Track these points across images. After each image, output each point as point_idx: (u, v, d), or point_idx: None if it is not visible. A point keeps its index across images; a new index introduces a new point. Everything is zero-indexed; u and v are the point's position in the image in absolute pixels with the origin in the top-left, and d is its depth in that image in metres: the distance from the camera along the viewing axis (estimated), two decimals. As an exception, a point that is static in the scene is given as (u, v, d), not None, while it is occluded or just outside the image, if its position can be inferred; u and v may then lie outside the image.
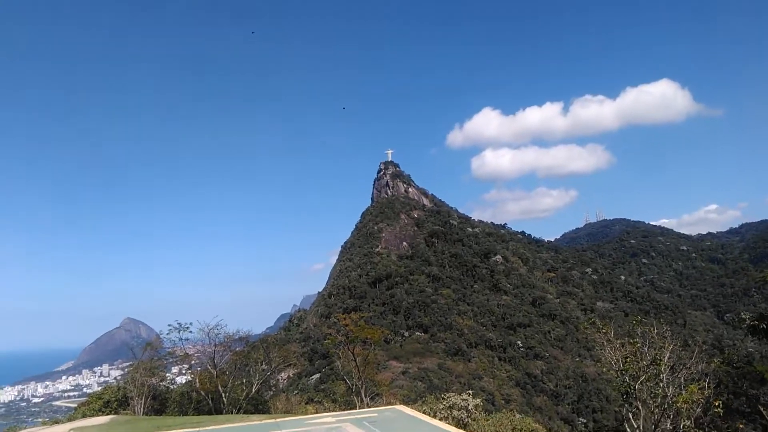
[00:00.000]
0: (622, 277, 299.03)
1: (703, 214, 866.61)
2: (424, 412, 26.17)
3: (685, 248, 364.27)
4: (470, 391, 32.84)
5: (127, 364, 56.22)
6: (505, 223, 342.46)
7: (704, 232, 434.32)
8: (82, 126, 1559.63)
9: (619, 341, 22.56)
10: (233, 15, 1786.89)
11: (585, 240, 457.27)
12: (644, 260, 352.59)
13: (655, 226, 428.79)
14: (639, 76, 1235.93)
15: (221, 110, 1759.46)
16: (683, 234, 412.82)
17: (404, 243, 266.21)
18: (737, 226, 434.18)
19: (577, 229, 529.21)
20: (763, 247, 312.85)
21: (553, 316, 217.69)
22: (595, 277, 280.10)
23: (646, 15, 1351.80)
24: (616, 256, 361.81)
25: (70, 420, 37.85)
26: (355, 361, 40.90)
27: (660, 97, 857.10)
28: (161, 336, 49.36)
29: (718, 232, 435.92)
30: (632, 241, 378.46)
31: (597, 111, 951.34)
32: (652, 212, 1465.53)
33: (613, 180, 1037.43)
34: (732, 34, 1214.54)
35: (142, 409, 41.11)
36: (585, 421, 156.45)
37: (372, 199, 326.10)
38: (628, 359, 21.64)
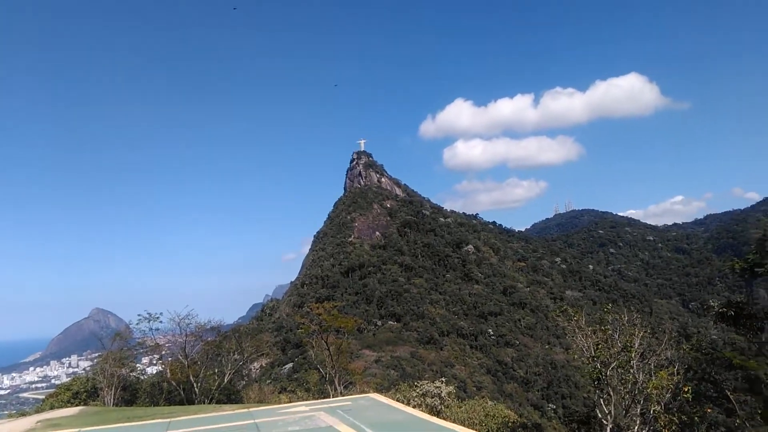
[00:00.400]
0: (591, 267, 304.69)
1: (669, 205, 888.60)
2: (397, 400, 26.35)
3: (651, 238, 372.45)
4: (443, 379, 33.23)
5: (96, 354, 55.20)
6: (477, 213, 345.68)
7: (670, 223, 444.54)
8: (37, 110, 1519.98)
9: (590, 328, 22.91)
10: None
11: (555, 230, 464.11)
12: (612, 250, 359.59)
13: (622, 216, 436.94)
14: (608, 70, 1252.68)
15: (190, 96, 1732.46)
16: (650, 224, 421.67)
17: (377, 233, 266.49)
18: (702, 217, 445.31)
19: (547, 219, 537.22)
20: (726, 237, 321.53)
21: (524, 304, 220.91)
22: (564, 266, 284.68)
23: (616, 9, 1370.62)
24: (584, 246, 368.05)
25: (37, 412, 37.03)
26: (328, 350, 40.93)
27: (628, 91, 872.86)
28: (131, 326, 48.56)
29: (683, 223, 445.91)
30: (600, 232, 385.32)
31: (567, 103, 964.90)
32: (620, 203, 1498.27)
33: (582, 171, 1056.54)
34: (699, 30, 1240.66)
35: (112, 400, 40.49)
36: (554, 407, 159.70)
37: (345, 188, 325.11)
38: (600, 346, 22.00)
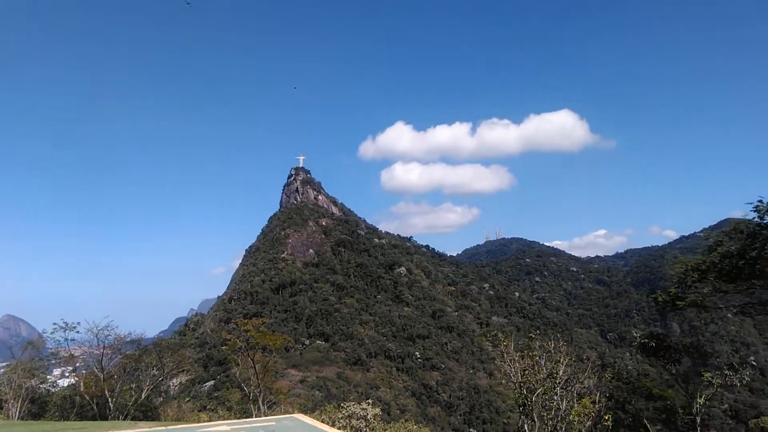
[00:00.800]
0: (517, 294, 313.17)
1: (593, 238, 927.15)
2: (322, 421, 26.26)
3: (574, 269, 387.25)
4: (369, 401, 33.31)
5: (4, 364, 51.91)
6: (411, 236, 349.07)
7: (593, 255, 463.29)
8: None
9: (518, 354, 23.63)
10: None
11: (484, 256, 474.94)
12: (537, 279, 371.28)
13: (548, 246, 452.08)
14: (543, 104, 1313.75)
15: (120, 98, 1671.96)
16: (574, 255, 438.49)
17: (311, 250, 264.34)
18: (623, 251, 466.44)
19: (477, 245, 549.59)
20: (644, 272, 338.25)
21: (451, 328, 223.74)
22: (491, 292, 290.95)
23: (554, 47, 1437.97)
24: (512, 274, 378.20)
25: (-69, 425, 34.45)
26: (254, 368, 40.14)
27: (560, 126, 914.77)
28: (44, 335, 46.04)
29: (605, 256, 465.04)
30: (527, 260, 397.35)
31: (502, 134, 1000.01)
32: (547, 233, 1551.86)
33: (513, 200, 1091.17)
34: (631, 73, 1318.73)
35: (17, 413, 38.20)
36: (475, 431, 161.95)
37: (281, 204, 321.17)
38: (526, 372, 22.62)
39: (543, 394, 21.95)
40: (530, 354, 23.10)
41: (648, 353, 26.54)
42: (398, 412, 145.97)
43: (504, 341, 24.06)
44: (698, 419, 22.97)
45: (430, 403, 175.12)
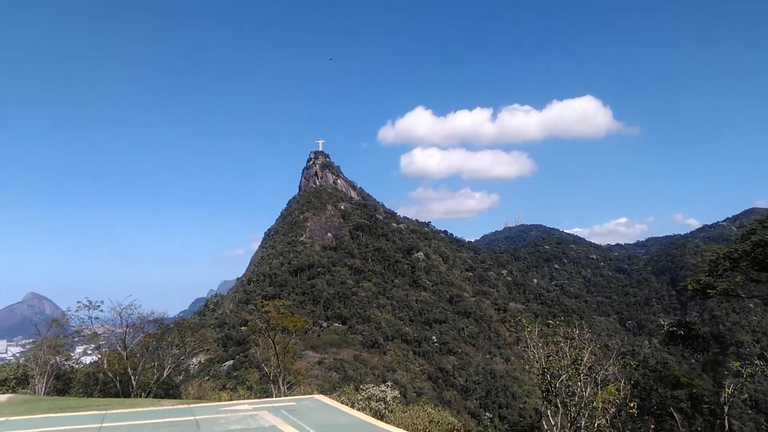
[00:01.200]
0: (535, 281, 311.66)
1: (613, 226, 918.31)
2: (342, 402, 26.29)
3: (594, 257, 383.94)
4: (389, 383, 33.32)
5: (29, 341, 52.93)
6: (429, 221, 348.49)
7: (613, 243, 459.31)
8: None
9: (542, 340, 23.32)
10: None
11: (503, 243, 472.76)
12: (556, 266, 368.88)
13: (568, 234, 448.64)
14: (565, 91, 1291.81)
15: (148, 84, 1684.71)
16: (594, 243, 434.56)
17: (329, 234, 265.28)
18: (643, 240, 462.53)
19: (496, 231, 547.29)
20: (665, 260, 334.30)
21: (468, 313, 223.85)
22: (509, 278, 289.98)
23: (577, 32, 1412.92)
24: (530, 260, 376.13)
25: (-40, 398, 35.23)
26: (274, 348, 40.38)
27: (582, 113, 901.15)
28: (68, 313, 46.78)
29: (625, 244, 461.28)
30: (546, 247, 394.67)
31: (523, 120, 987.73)
32: (567, 220, 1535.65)
33: (533, 187, 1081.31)
34: (655, 59, 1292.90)
35: (43, 389, 38.90)
36: (491, 416, 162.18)
37: (300, 187, 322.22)
38: (550, 357, 22.41)
39: (567, 380, 21.65)
40: (554, 340, 22.76)
41: (675, 341, 25.99)
42: (414, 395, 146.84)
43: (528, 327, 23.72)
44: (726, 408, 22.53)
45: (447, 386, 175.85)
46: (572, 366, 21.80)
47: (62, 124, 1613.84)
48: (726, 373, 24.67)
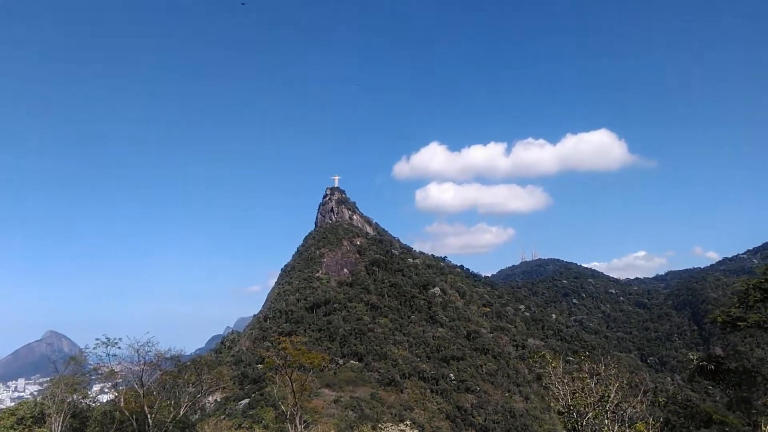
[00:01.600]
0: (554, 316, 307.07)
1: (632, 260, 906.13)
2: (360, 442, 25.78)
3: (613, 291, 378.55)
4: (408, 422, 32.66)
5: (47, 379, 52.91)
6: (445, 256, 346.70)
7: (632, 277, 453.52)
8: None
9: (567, 376, 22.66)
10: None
11: (520, 277, 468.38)
12: (575, 300, 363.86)
13: (586, 268, 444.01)
14: (579, 124, 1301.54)
15: (157, 122, 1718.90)
16: (612, 277, 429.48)
17: (345, 269, 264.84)
18: (663, 273, 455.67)
19: (513, 266, 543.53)
20: (686, 294, 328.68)
21: (486, 350, 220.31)
22: (527, 314, 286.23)
23: (590, 67, 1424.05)
24: (548, 295, 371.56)
25: (-23, 437, 35.18)
26: (291, 386, 39.85)
27: (598, 146, 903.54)
28: (86, 351, 46.76)
29: (645, 278, 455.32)
30: (564, 282, 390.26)
31: (538, 154, 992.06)
32: (585, 254, 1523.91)
33: (549, 221, 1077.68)
34: (670, 93, 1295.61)
35: (60, 428, 38.68)
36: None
37: (316, 223, 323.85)
38: (576, 394, 21.81)
39: (593, 418, 20.92)
40: (580, 376, 22.11)
41: (706, 376, 25.15)
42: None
43: (552, 362, 23.12)
44: (763, 448, 21.57)
45: (465, 426, 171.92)
46: (599, 403, 21.05)
47: (84, 160, 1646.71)
48: (754, 411, 23.79)
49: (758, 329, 24.34)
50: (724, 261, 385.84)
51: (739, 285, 25.10)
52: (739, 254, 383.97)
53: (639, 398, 21.61)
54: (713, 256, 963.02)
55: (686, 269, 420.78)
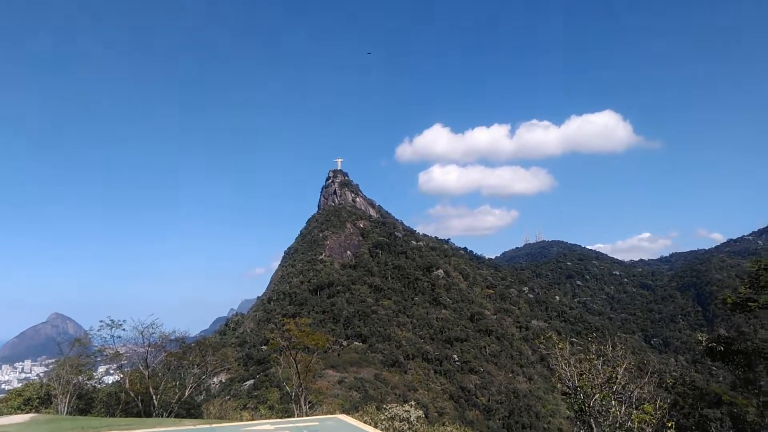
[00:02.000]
0: (557, 298, 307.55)
1: (636, 242, 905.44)
2: (365, 422, 25.76)
3: (617, 273, 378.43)
4: (413, 402, 32.65)
5: (52, 360, 53.12)
6: (449, 239, 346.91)
7: (636, 259, 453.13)
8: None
9: (574, 357, 22.47)
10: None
11: (524, 259, 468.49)
12: (579, 282, 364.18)
13: (590, 250, 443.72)
14: (584, 105, 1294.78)
15: (165, 105, 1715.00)
16: (616, 259, 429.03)
17: (348, 252, 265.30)
18: (667, 255, 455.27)
19: (517, 248, 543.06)
20: (690, 276, 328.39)
21: (490, 331, 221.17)
22: (531, 296, 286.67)
23: (594, 47, 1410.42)
24: (552, 277, 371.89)
25: (-16, 418, 35.29)
26: (296, 367, 39.90)
27: (602, 127, 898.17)
28: (91, 333, 46.82)
29: (649, 260, 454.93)
30: (568, 263, 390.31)
31: (542, 136, 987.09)
32: (589, 236, 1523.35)
33: (553, 203, 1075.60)
34: (676, 74, 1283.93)
35: (65, 408, 38.91)
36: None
37: (319, 206, 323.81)
38: (583, 376, 21.60)
39: (601, 399, 20.73)
40: (588, 357, 21.88)
41: (715, 357, 24.92)
42: (436, 414, 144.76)
43: (559, 344, 22.89)
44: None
45: (469, 406, 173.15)
46: (606, 384, 20.85)
47: (86, 142, 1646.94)
48: (756, 391, 23.59)
49: None
50: (729, 242, 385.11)
51: (750, 266, 24.76)
52: (744, 236, 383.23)
53: (646, 380, 21.41)
54: (718, 238, 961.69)
55: (691, 251, 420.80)
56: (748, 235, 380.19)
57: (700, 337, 26.05)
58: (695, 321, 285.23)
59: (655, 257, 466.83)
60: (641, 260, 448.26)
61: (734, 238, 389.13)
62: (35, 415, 34.08)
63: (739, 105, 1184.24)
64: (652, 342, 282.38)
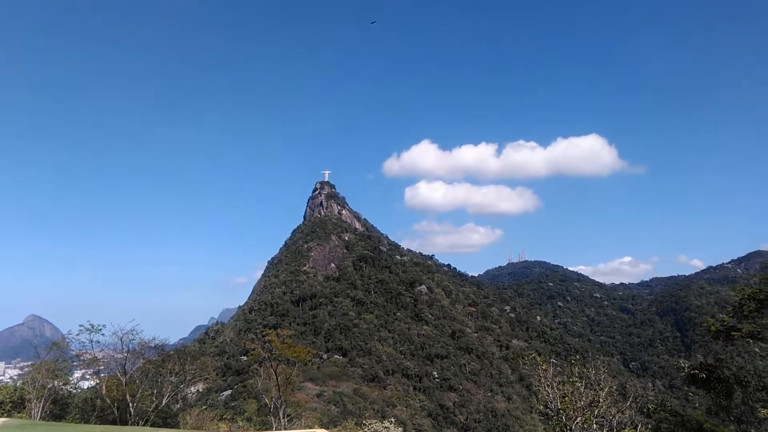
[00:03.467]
0: (538, 318, 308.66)
1: (618, 265, 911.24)
2: (344, 437, 25.60)
3: (598, 295, 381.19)
4: (392, 419, 32.54)
5: (28, 364, 52.18)
6: (433, 255, 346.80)
7: (617, 282, 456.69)
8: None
9: (558, 380, 22.52)
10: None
11: (506, 278, 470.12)
12: (560, 303, 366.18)
13: (572, 271, 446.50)
14: (570, 128, 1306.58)
15: (146, 106, 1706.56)
16: (597, 282, 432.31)
17: (332, 264, 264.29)
18: (648, 279, 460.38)
19: (500, 267, 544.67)
20: (669, 301, 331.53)
21: (470, 349, 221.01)
22: (512, 315, 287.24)
23: (582, 71, 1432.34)
24: (534, 297, 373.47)
25: (-46, 421, 34.47)
26: (276, 379, 39.56)
27: (587, 151, 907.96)
28: (69, 336, 46.15)
29: (630, 283, 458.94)
30: (550, 284, 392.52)
31: (528, 156, 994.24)
32: (571, 258, 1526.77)
33: (537, 223, 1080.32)
34: (660, 102, 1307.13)
35: (39, 413, 38.15)
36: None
37: (305, 217, 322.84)
38: (566, 398, 21.63)
39: (582, 423, 20.76)
40: (571, 380, 21.96)
41: (697, 384, 25.12)
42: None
43: (542, 365, 22.97)
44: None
45: (447, 424, 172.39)
46: (588, 408, 20.89)
47: (67, 141, 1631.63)
48: (733, 418, 23.80)
49: (752, 339, 24.32)
50: (709, 270, 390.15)
51: (734, 294, 25.10)
52: (723, 263, 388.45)
53: (628, 404, 21.52)
54: (698, 264, 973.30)
55: (671, 276, 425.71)
56: (727, 263, 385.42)
57: (682, 364, 26.25)
58: (673, 346, 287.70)
59: (635, 281, 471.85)
60: (622, 284, 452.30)
61: (714, 265, 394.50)
62: (7, 419, 33.37)
63: (722, 133, 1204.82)
64: (631, 366, 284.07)
